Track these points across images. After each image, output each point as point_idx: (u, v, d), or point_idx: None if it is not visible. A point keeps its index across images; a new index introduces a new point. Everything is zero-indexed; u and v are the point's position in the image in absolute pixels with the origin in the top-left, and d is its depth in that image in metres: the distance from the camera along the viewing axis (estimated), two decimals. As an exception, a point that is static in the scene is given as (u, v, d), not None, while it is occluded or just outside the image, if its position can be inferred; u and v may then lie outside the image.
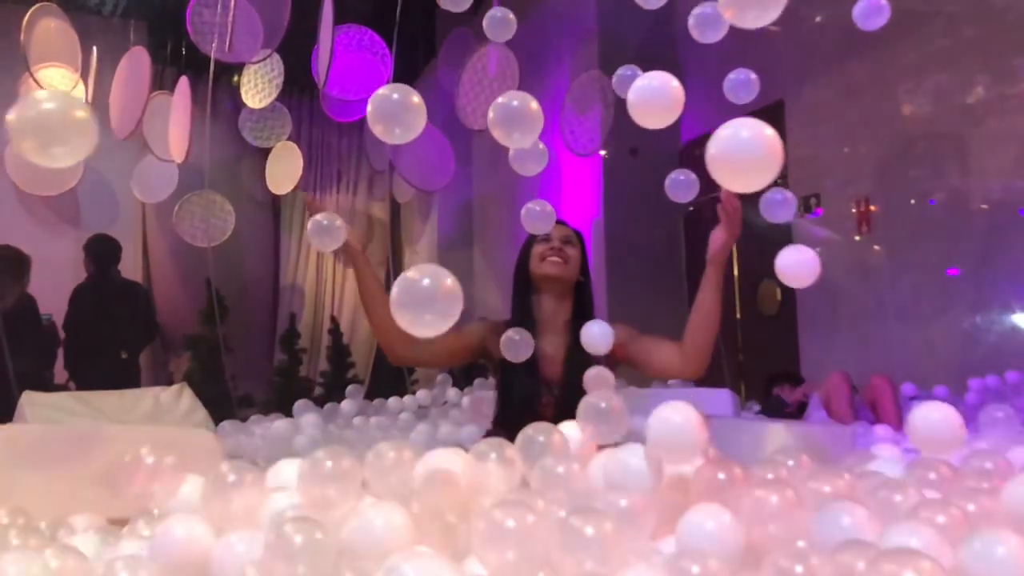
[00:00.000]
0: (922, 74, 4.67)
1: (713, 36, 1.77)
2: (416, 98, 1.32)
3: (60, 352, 5.29)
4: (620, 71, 2.08)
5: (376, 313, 2.01)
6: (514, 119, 1.43)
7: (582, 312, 2.18)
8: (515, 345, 1.81)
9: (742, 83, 2.17)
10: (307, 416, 4.01)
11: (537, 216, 1.87)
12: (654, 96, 1.36)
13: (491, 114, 1.43)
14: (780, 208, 2.02)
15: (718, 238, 1.94)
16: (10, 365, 4.20)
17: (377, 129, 1.33)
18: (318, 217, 1.77)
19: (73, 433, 1.82)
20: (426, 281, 1.00)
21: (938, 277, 4.47)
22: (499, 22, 2.08)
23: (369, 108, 1.32)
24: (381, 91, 1.32)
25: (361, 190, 8.84)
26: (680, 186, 2.11)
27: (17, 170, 6.11)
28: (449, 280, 1.01)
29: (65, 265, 5.96)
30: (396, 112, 1.32)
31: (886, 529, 0.96)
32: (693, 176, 2.10)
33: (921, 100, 4.70)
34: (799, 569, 0.86)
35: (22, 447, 1.72)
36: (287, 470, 1.24)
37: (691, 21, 1.79)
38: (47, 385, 4.85)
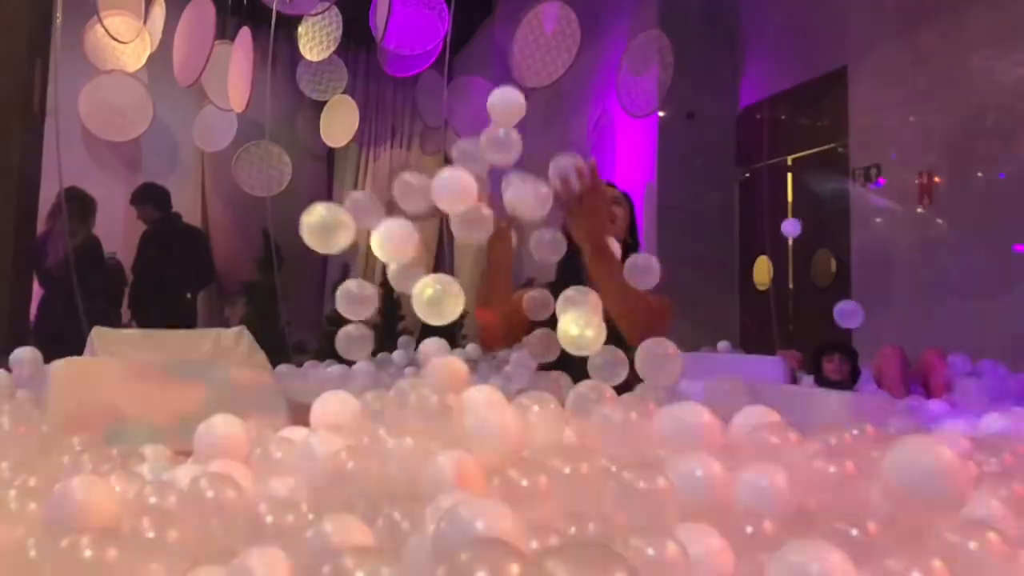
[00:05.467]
0: (996, 41, 4.49)
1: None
2: None
3: (126, 292, 5.48)
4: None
5: (491, 298, 2.00)
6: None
7: None
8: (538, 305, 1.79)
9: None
10: (360, 364, 4.10)
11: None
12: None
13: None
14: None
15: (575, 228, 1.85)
16: (80, 302, 4.36)
17: None
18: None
19: (146, 366, 1.89)
20: None
21: (1003, 252, 4.35)
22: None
23: None
24: None
25: (415, 145, 8.88)
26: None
27: (91, 115, 6.26)
28: None
29: (125, 209, 6.12)
30: None
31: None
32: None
33: (994, 69, 4.52)
34: (854, 533, 0.86)
35: (97, 378, 1.80)
36: (331, 402, 1.27)
37: None
38: (115, 323, 5.03)
